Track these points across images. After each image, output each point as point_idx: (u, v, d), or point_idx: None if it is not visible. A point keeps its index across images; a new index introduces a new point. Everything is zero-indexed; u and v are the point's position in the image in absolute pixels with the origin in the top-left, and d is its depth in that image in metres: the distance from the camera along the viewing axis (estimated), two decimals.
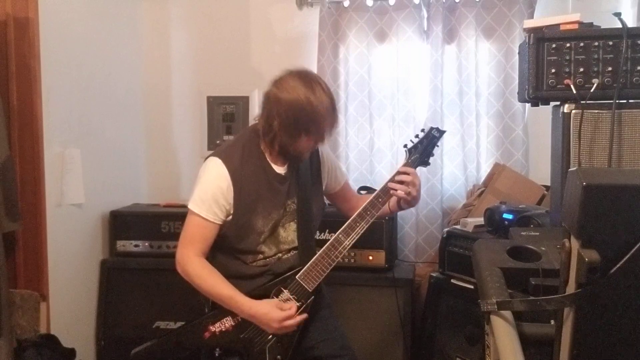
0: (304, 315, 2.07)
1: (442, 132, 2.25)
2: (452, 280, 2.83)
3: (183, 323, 2.22)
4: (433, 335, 2.93)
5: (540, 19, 2.26)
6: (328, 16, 3.47)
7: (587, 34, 1.91)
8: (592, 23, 1.97)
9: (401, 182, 2.10)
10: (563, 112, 1.89)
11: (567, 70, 1.91)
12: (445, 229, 2.98)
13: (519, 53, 2.16)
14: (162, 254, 3.17)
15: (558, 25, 1.94)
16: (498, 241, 1.84)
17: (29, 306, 2.64)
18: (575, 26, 1.93)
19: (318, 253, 2.08)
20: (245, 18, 3.68)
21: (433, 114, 3.37)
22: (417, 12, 3.41)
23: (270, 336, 2.07)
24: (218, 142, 3.67)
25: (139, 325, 3.11)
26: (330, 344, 2.20)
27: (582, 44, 1.90)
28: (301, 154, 2.08)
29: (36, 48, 2.67)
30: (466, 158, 3.45)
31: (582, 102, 1.86)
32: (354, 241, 2.09)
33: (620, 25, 1.87)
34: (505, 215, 2.60)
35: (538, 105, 2.02)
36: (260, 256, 2.12)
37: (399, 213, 3.32)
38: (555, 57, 1.91)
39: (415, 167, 2.18)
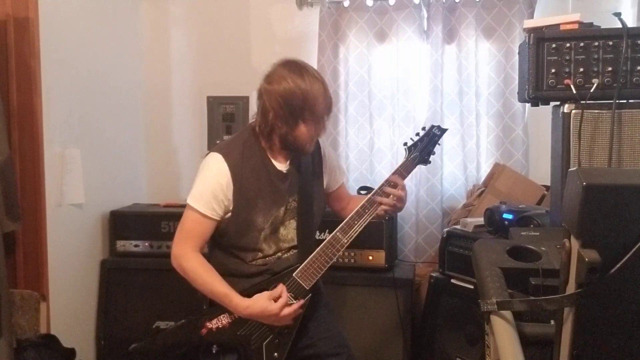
0: (301, 302, 2.06)
1: (443, 130, 2.24)
2: (452, 280, 2.83)
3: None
4: (433, 335, 2.93)
5: (540, 19, 2.26)
6: (328, 16, 3.47)
7: (587, 34, 1.91)
8: (592, 23, 1.97)
9: (389, 195, 2.11)
10: (563, 112, 1.89)
11: (567, 70, 1.91)
12: (445, 229, 2.98)
13: (519, 53, 2.16)
14: (162, 254, 3.16)
15: (558, 25, 1.94)
16: (498, 241, 1.84)
17: (29, 306, 2.64)
18: (575, 26, 1.93)
19: (315, 251, 2.08)
20: (245, 18, 3.68)
21: (433, 114, 3.37)
22: (417, 12, 3.41)
23: (268, 333, 2.07)
24: (218, 142, 3.66)
25: (139, 325, 3.11)
26: (328, 342, 2.20)
27: (582, 44, 1.90)
28: (303, 145, 2.06)
29: (36, 48, 2.67)
30: (466, 158, 3.45)
31: (582, 102, 1.86)
32: (351, 239, 2.09)
33: (620, 25, 1.87)
34: (505, 215, 2.60)
35: (538, 105, 2.02)
36: (260, 254, 2.11)
37: (399, 213, 3.33)
38: (555, 57, 1.91)
39: (415, 165, 2.18)
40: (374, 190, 2.14)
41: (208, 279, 2.03)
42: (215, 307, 2.07)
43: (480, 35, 3.38)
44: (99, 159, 3.23)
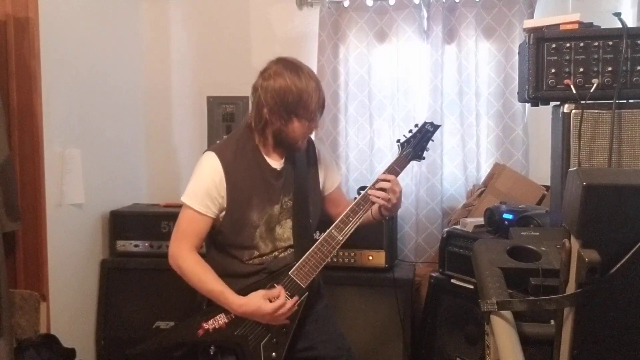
0: (295, 299, 2.05)
1: (436, 127, 2.25)
2: (452, 280, 2.83)
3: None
4: (433, 335, 2.93)
5: (540, 19, 2.26)
6: (328, 16, 3.47)
7: (587, 34, 1.91)
8: (592, 23, 1.97)
9: (382, 189, 2.10)
10: (563, 112, 1.89)
11: (567, 70, 1.91)
12: (445, 229, 2.98)
13: (519, 53, 2.16)
14: (162, 254, 3.13)
15: (558, 25, 1.94)
16: (498, 241, 1.84)
17: (29, 306, 2.64)
18: (575, 26, 1.93)
19: (311, 249, 2.08)
20: (245, 18, 3.68)
21: (433, 114, 3.37)
22: (417, 12, 3.41)
23: (265, 333, 2.07)
24: (218, 142, 3.66)
25: (139, 325, 3.11)
26: (328, 344, 2.20)
27: (582, 44, 1.90)
28: (295, 141, 2.07)
29: (36, 48, 2.67)
30: (466, 158, 3.45)
31: (582, 102, 1.86)
32: (347, 236, 2.09)
33: (620, 25, 1.87)
34: (505, 215, 2.60)
35: (538, 105, 2.02)
36: (256, 253, 2.11)
37: (399, 213, 3.34)
38: (555, 57, 1.91)
39: (408, 161, 2.18)
40: (369, 186, 2.14)
41: (204, 277, 2.03)
42: (212, 308, 2.07)
43: (480, 35, 3.38)
44: (99, 159, 3.23)
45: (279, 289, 2.04)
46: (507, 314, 1.22)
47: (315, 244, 2.08)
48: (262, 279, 2.10)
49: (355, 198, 2.77)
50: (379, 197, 2.10)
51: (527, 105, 3.19)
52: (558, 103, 1.96)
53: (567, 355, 1.10)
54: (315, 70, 3.46)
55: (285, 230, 2.15)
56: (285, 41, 3.62)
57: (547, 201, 2.91)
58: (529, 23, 2.04)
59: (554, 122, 2.01)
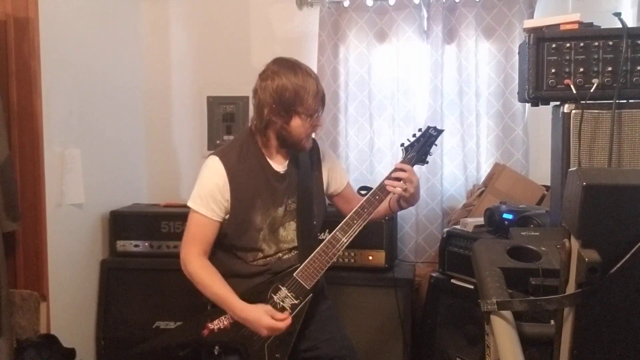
0: (290, 319, 2.05)
1: (439, 131, 2.25)
2: (452, 280, 2.83)
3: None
4: (433, 335, 2.93)
5: (540, 19, 2.25)
6: (328, 16, 3.47)
7: (587, 34, 1.91)
8: (592, 23, 1.97)
9: (398, 179, 2.11)
10: (563, 112, 1.89)
11: (567, 70, 1.90)
12: (445, 229, 2.98)
13: (519, 53, 2.15)
14: (162, 254, 3.16)
15: (558, 25, 1.94)
16: (498, 241, 1.84)
17: (29, 306, 2.64)
18: (575, 26, 1.93)
19: (315, 251, 2.09)
20: (245, 18, 3.68)
21: (433, 114, 3.38)
22: (417, 12, 3.41)
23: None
24: (218, 142, 3.67)
25: (139, 325, 3.11)
26: (331, 344, 2.21)
27: (582, 44, 1.89)
28: (298, 140, 2.08)
29: (36, 48, 2.67)
30: (466, 158, 3.45)
31: (582, 102, 1.85)
32: (351, 239, 2.10)
33: (620, 25, 1.86)
34: (505, 215, 2.60)
35: (538, 105, 2.02)
36: (260, 254, 2.13)
37: (399, 213, 3.33)
38: (555, 57, 1.91)
39: (412, 166, 2.19)
40: (372, 190, 2.15)
41: (209, 281, 2.05)
42: (217, 308, 2.09)
43: (480, 35, 3.38)
44: (99, 159, 3.23)
45: (285, 316, 2.04)
46: (507, 314, 1.22)
47: (319, 246, 2.10)
48: (266, 279, 2.12)
49: (360, 193, 2.79)
50: (395, 187, 2.11)
51: (527, 105, 3.19)
52: (558, 103, 1.95)
53: (567, 355, 1.10)
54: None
55: (289, 232, 2.16)
56: (285, 41, 3.62)
57: (547, 201, 2.91)
58: (529, 23, 2.03)
59: (554, 122, 2.01)
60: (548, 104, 2.01)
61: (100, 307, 3.21)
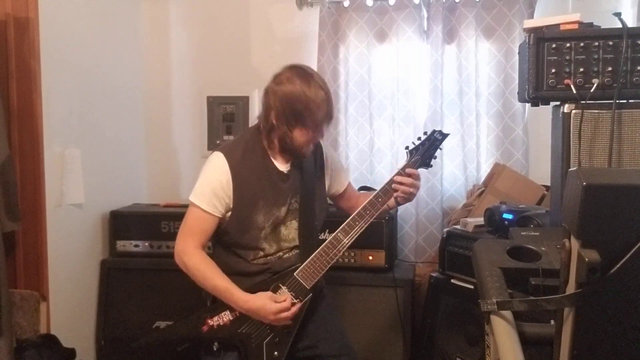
0: (298, 306, 2.08)
1: (444, 135, 2.26)
2: (452, 280, 2.83)
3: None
4: (433, 335, 2.93)
5: (540, 19, 2.25)
6: (328, 16, 3.46)
7: (587, 34, 1.91)
8: (592, 23, 1.97)
9: (401, 183, 2.12)
10: (563, 112, 1.89)
11: (567, 70, 1.90)
12: (445, 229, 2.98)
13: (519, 53, 2.16)
14: (162, 254, 3.17)
15: (558, 25, 1.94)
16: (498, 241, 1.84)
17: (29, 306, 2.64)
18: (575, 26, 1.93)
19: (317, 251, 2.09)
20: (245, 18, 3.68)
21: (433, 114, 3.37)
22: (417, 12, 3.40)
23: (268, 332, 2.09)
24: (218, 142, 3.67)
25: (139, 326, 3.11)
26: (330, 342, 2.21)
27: (582, 44, 1.89)
28: (300, 148, 2.09)
29: (36, 48, 2.67)
30: (466, 158, 3.44)
31: (582, 102, 1.85)
32: (352, 240, 2.10)
33: (620, 25, 1.86)
34: (505, 215, 2.60)
35: (538, 105, 2.02)
36: (261, 253, 2.14)
37: (399, 213, 3.34)
38: (555, 57, 1.91)
39: (416, 169, 2.20)
40: (377, 191, 2.15)
41: (209, 274, 2.05)
42: (217, 304, 2.10)
43: (480, 35, 3.37)
44: (99, 159, 3.23)
45: (285, 296, 2.06)
46: (507, 314, 1.22)
47: (321, 247, 2.10)
48: (267, 278, 2.12)
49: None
50: (400, 188, 2.13)
51: (527, 105, 3.19)
52: (558, 103, 1.96)
53: (567, 355, 1.10)
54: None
55: (290, 232, 2.17)
56: (285, 41, 3.62)
57: (547, 201, 2.91)
58: (529, 23, 2.03)
59: (554, 122, 2.01)
60: (548, 104, 2.01)
61: (100, 307, 3.21)
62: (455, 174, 3.48)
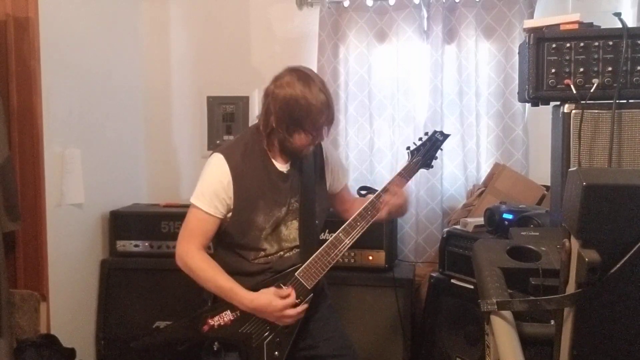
0: (305, 306, 2.08)
1: (445, 136, 2.26)
2: (452, 280, 2.83)
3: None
4: (433, 335, 2.93)
5: (540, 19, 2.25)
6: (328, 16, 3.46)
7: (587, 34, 1.91)
8: (592, 23, 1.97)
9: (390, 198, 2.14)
10: (563, 112, 1.89)
11: (567, 70, 1.90)
12: (445, 229, 2.98)
13: (519, 53, 2.16)
14: (162, 254, 3.16)
15: (558, 25, 1.94)
16: (498, 241, 1.84)
17: (28, 306, 2.64)
18: (575, 26, 1.93)
19: (318, 251, 2.10)
20: (245, 18, 3.68)
21: (433, 114, 3.37)
22: (417, 12, 3.40)
23: (269, 332, 2.09)
24: (218, 142, 3.67)
25: (139, 326, 3.10)
26: (331, 343, 2.21)
27: (582, 44, 1.89)
28: (299, 150, 2.08)
29: (36, 48, 2.67)
30: (466, 158, 3.44)
31: (582, 102, 1.85)
32: (354, 240, 2.10)
33: (620, 25, 1.86)
34: (505, 215, 2.60)
35: (538, 105, 2.02)
36: (262, 253, 2.13)
37: None
38: (555, 57, 1.91)
39: (417, 169, 2.20)
40: (377, 192, 2.15)
41: (212, 274, 2.05)
42: (218, 304, 2.10)
43: (480, 35, 3.37)
44: (99, 159, 3.23)
45: (289, 290, 2.06)
46: (507, 314, 1.22)
47: (322, 247, 2.10)
48: (268, 278, 2.12)
49: (360, 193, 2.80)
50: (387, 205, 2.14)
51: (527, 105, 3.19)
52: (558, 103, 1.95)
53: (567, 355, 1.10)
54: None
55: (291, 231, 2.17)
56: (285, 41, 3.62)
57: (547, 201, 2.91)
58: (529, 23, 2.03)
59: (554, 122, 2.01)
60: (548, 104, 2.01)
61: (100, 307, 3.21)
62: (455, 174, 3.48)
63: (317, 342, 2.19)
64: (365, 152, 3.53)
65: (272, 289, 2.05)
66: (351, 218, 2.12)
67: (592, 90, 1.86)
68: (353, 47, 3.49)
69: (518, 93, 2.22)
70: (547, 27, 1.94)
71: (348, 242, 2.10)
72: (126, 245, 3.23)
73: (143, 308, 3.15)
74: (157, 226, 3.21)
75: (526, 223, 2.39)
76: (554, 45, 1.91)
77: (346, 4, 3.46)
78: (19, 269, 2.70)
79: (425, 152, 2.22)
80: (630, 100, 1.87)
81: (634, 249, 1.00)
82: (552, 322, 1.25)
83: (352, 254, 3.05)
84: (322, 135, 2.10)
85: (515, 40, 3.28)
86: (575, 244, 1.07)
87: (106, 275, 3.21)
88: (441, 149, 2.27)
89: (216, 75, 3.72)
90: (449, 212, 3.44)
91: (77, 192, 3.00)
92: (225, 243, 2.16)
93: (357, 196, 2.47)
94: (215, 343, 2.08)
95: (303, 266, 2.09)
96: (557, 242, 1.22)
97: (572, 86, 1.88)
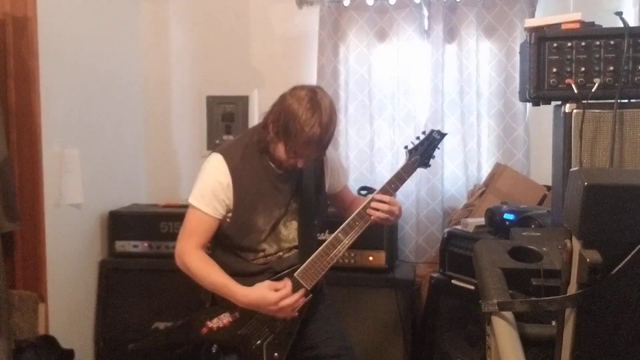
0: (301, 292, 2.05)
1: (443, 135, 2.25)
2: (453, 281, 2.82)
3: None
4: (433, 336, 2.92)
5: (541, 18, 2.24)
6: (328, 15, 3.46)
7: (588, 33, 1.90)
8: (593, 22, 1.96)
9: (376, 209, 2.10)
10: (564, 112, 1.88)
11: (568, 69, 1.90)
12: (446, 229, 2.97)
13: (520, 52, 2.15)
14: (161, 255, 3.16)
15: (559, 24, 1.94)
16: (499, 242, 1.84)
17: (27, 307, 2.63)
18: (577, 25, 1.93)
19: (317, 251, 2.08)
20: (245, 17, 3.67)
21: (434, 114, 3.37)
22: (418, 11, 3.40)
23: (268, 333, 2.08)
24: (217, 142, 3.66)
25: (138, 326, 3.10)
26: (329, 344, 2.20)
27: (583, 43, 1.89)
28: (278, 158, 2.05)
29: (35, 47, 2.66)
30: (467, 158, 3.44)
31: (583, 101, 1.85)
32: (353, 240, 2.09)
33: (621, 25, 1.86)
34: (506, 216, 2.59)
35: (539, 105, 2.02)
36: (261, 254, 2.13)
37: None
38: (556, 57, 1.90)
39: (415, 168, 2.18)
40: (375, 191, 2.15)
41: (207, 270, 2.05)
42: (216, 306, 2.09)
43: (481, 35, 3.37)
44: (98, 159, 3.22)
45: (284, 282, 2.05)
46: (508, 314, 1.22)
47: (321, 247, 2.09)
48: (267, 278, 2.11)
49: (360, 193, 2.79)
50: (375, 213, 2.10)
51: (529, 104, 3.18)
52: (559, 103, 1.95)
53: (569, 356, 1.10)
54: (315, 69, 3.48)
55: (290, 232, 2.17)
56: (285, 40, 3.62)
57: (548, 201, 2.90)
58: (530, 22, 2.03)
59: (556, 122, 2.01)
60: (549, 103, 2.01)
61: (99, 307, 3.21)
62: (456, 174, 3.47)
63: (316, 342, 2.18)
64: (365, 152, 3.53)
65: (266, 283, 2.03)
66: (349, 218, 2.11)
67: (593, 90, 1.86)
68: (353, 46, 3.48)
69: (519, 92, 2.21)
70: (549, 26, 1.94)
71: (347, 242, 2.09)
72: (125, 245, 3.23)
73: (142, 309, 3.14)
74: (156, 226, 3.20)
75: (527, 223, 2.39)
76: (555, 45, 1.90)
77: (346, 3, 3.46)
78: (17, 270, 2.69)
79: (424, 151, 2.20)
80: (631, 100, 1.87)
81: (636, 249, 0.99)
82: (554, 322, 1.24)
83: (352, 255, 3.04)
84: (302, 162, 2.04)
85: (516, 40, 3.28)
86: (576, 245, 1.06)
87: (105, 276, 3.20)
88: (439, 148, 2.26)
89: (216, 75, 3.71)
90: (450, 212, 3.44)
91: (75, 192, 2.99)
92: (224, 244, 2.15)
93: (357, 195, 2.46)
94: (214, 345, 2.07)
95: (302, 267, 2.08)
96: (559, 243, 1.21)
97: (573, 86, 1.87)
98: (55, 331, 2.75)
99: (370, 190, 3.15)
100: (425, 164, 2.22)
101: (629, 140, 1.84)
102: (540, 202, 3.01)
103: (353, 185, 3.46)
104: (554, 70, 1.90)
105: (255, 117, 3.59)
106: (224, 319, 2.07)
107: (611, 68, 1.86)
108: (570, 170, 1.09)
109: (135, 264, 3.20)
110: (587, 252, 1.01)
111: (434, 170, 3.36)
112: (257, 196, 2.08)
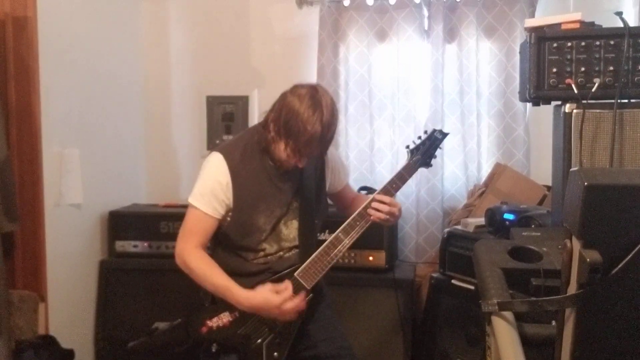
0: (302, 295, 2.05)
1: (444, 134, 2.25)
2: (453, 281, 2.82)
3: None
4: (433, 336, 2.92)
5: (541, 18, 2.24)
6: (328, 15, 3.46)
7: (588, 33, 1.90)
8: (593, 22, 1.96)
9: (377, 210, 2.10)
10: (564, 112, 1.88)
11: (568, 69, 1.90)
12: (446, 229, 2.97)
13: (520, 52, 2.15)
14: (161, 255, 3.16)
15: (559, 24, 1.94)
16: (499, 241, 1.84)
17: (27, 307, 2.63)
18: (577, 25, 1.92)
19: (317, 251, 2.08)
20: (245, 17, 3.67)
21: (434, 114, 3.37)
22: (418, 11, 3.40)
23: (268, 333, 2.08)
24: (217, 142, 3.66)
25: (138, 326, 3.08)
26: (330, 343, 2.20)
27: (583, 43, 1.89)
28: (277, 158, 2.05)
29: (35, 47, 2.66)
30: (467, 158, 3.44)
31: (583, 101, 1.85)
32: (353, 240, 2.09)
33: (621, 25, 1.86)
34: (506, 216, 2.59)
35: (539, 105, 2.02)
36: (262, 253, 2.13)
37: None
38: (556, 57, 1.90)
39: (417, 168, 2.18)
40: (377, 191, 2.14)
41: (209, 272, 2.04)
42: (216, 306, 2.09)
43: (481, 35, 3.37)
44: (97, 159, 3.22)
45: (286, 283, 2.04)
46: (508, 314, 1.22)
47: (321, 247, 2.09)
48: (267, 278, 2.11)
49: (360, 193, 2.78)
50: (376, 214, 2.11)
51: (529, 104, 3.18)
52: (559, 103, 1.95)
53: (569, 356, 1.10)
54: (315, 69, 3.48)
55: (291, 231, 2.16)
56: (285, 40, 3.62)
57: (548, 201, 2.90)
58: (530, 22, 2.03)
59: (556, 122, 2.01)
60: (549, 103, 2.01)
61: (99, 307, 3.20)
62: (456, 174, 3.47)
63: (316, 342, 2.18)
64: (365, 152, 3.52)
65: (268, 285, 2.03)
66: (350, 218, 2.10)
67: (593, 90, 1.86)
68: (353, 46, 3.48)
69: (519, 92, 2.21)
70: (549, 26, 1.94)
71: (347, 241, 2.08)
72: (125, 245, 3.23)
73: (142, 309, 3.13)
74: (156, 226, 3.20)
75: (527, 223, 2.39)
76: (555, 45, 1.90)
77: (346, 3, 3.46)
78: (17, 270, 2.69)
79: (425, 151, 2.20)
80: (631, 100, 1.87)
81: (636, 249, 0.99)
82: (554, 322, 1.24)
83: (353, 255, 3.04)
84: (302, 162, 2.03)
85: (516, 40, 3.28)
86: (576, 245, 1.06)
87: (105, 276, 3.20)
88: (440, 148, 2.26)
89: (215, 75, 3.71)
90: (450, 212, 3.44)
91: (75, 192, 2.99)
92: (225, 244, 2.15)
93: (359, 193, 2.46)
94: (214, 344, 2.07)
95: (302, 266, 2.08)
96: (559, 243, 1.21)
97: (573, 86, 1.87)
98: (55, 331, 2.75)
99: (370, 190, 3.15)
100: (427, 164, 2.22)
101: (628, 140, 1.84)
102: (540, 202, 3.01)
103: (353, 186, 3.44)
104: (554, 70, 1.90)
105: (255, 117, 3.59)
106: (224, 318, 2.07)
107: (611, 68, 1.86)
108: (570, 170, 1.09)
109: (135, 264, 3.20)
110: (587, 252, 1.01)
111: (434, 170, 3.36)
112: (258, 195, 2.08)
